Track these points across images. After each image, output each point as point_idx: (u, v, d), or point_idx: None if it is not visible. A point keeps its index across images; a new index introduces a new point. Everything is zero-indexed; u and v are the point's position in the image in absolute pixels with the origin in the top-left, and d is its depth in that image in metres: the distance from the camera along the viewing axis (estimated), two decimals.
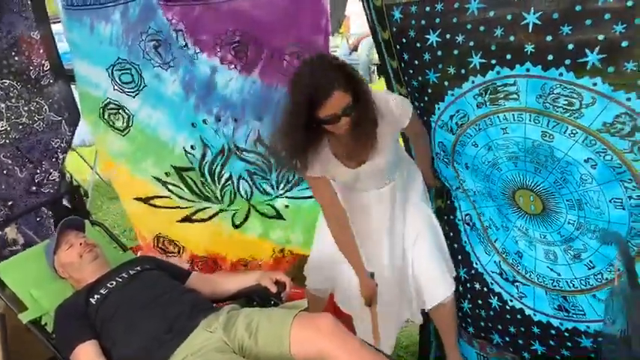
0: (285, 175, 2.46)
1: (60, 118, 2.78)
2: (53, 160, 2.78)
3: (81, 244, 2.10)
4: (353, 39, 7.49)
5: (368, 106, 1.70)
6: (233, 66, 2.22)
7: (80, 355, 1.72)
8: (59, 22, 2.60)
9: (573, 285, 1.80)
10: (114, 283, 1.96)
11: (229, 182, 2.52)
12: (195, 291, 2.00)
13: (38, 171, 2.73)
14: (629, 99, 1.37)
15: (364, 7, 1.84)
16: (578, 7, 1.34)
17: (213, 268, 2.83)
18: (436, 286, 2.02)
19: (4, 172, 2.61)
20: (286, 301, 1.99)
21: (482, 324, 2.16)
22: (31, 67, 2.65)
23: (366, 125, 1.73)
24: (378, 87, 5.28)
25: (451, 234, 2.20)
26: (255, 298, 2.03)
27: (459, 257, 2.17)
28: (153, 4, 2.20)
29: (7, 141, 2.61)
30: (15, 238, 2.56)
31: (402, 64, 1.85)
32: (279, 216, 2.59)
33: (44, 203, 2.71)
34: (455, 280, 2.09)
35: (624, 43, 1.31)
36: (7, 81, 2.58)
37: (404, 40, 1.77)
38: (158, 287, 1.93)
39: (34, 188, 2.73)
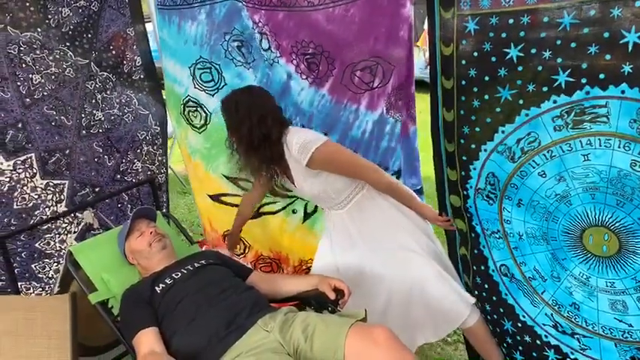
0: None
1: (147, 112, 2.92)
2: (138, 151, 2.92)
3: (151, 232, 2.15)
4: None
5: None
6: (305, 77, 2.22)
7: (142, 340, 1.76)
8: (149, 21, 2.74)
9: None
10: (179, 274, 1.99)
11: None
12: (255, 289, 2.01)
13: (124, 160, 2.86)
14: None
15: (428, 22, 1.73)
16: None
17: (276, 271, 2.86)
18: (447, 313, 2.03)
19: (96, 159, 2.74)
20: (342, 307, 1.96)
21: None
22: (125, 62, 2.79)
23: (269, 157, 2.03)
24: None
25: (486, 285, 2.04)
26: (312, 302, 2.01)
27: (501, 310, 2.02)
28: (239, 6, 2.24)
29: (100, 130, 2.74)
30: (91, 223, 2.67)
31: (463, 82, 1.72)
32: None
33: (119, 191, 2.83)
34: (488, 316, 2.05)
35: None
36: (105, 73, 2.71)
37: (475, 54, 1.65)
38: (221, 282, 1.96)
39: (118, 176, 2.86)
